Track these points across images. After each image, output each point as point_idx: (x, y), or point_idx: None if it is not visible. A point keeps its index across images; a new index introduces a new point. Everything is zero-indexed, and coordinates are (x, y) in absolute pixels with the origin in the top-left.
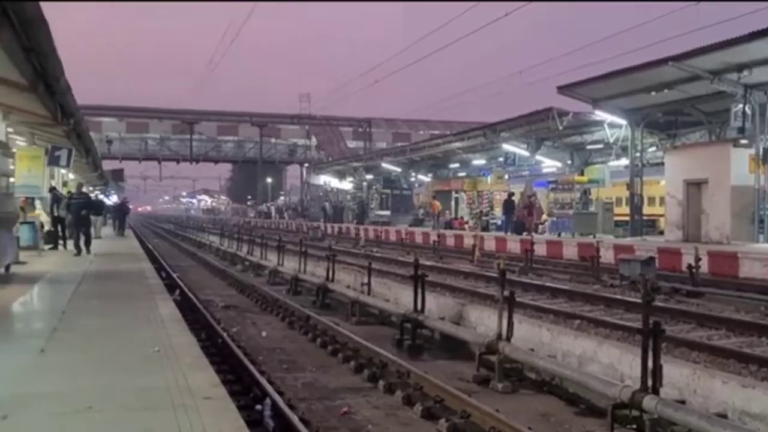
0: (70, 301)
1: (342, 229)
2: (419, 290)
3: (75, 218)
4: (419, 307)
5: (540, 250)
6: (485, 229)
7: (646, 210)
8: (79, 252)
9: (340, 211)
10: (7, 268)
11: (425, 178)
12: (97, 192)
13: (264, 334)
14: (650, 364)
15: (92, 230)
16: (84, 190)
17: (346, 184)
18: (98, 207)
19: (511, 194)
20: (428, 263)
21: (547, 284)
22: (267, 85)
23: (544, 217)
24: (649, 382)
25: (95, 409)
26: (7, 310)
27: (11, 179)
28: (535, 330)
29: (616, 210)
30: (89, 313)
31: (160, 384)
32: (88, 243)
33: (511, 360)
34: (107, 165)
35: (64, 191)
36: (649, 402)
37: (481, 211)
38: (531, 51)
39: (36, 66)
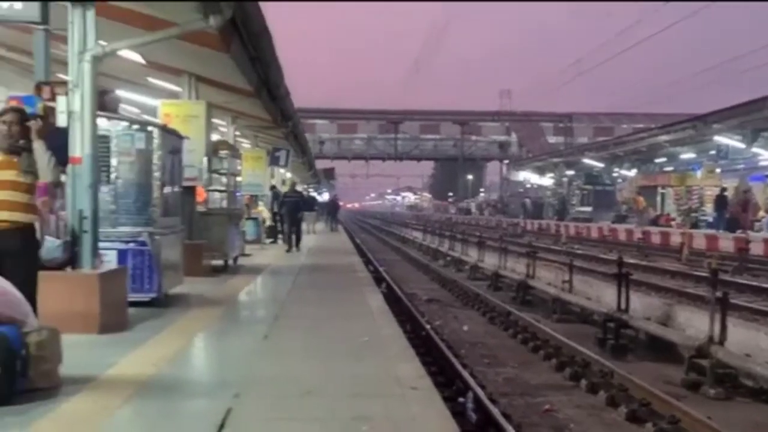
0: (290, 292)
1: (542, 225)
2: (623, 289)
3: (288, 216)
4: (623, 306)
5: (756, 249)
6: (694, 226)
7: None
8: (289, 248)
9: (539, 207)
10: (235, 259)
11: (629, 174)
12: (310, 190)
13: (465, 328)
14: None
15: (302, 227)
16: (298, 188)
17: (546, 180)
18: (310, 205)
19: (724, 189)
20: (632, 261)
21: (765, 285)
22: (468, 82)
23: (761, 213)
24: None
25: (314, 394)
26: (235, 298)
27: (238, 178)
28: (752, 334)
29: None
30: (306, 303)
31: (371, 372)
32: (298, 240)
33: (724, 365)
34: (320, 164)
35: (283, 190)
36: None
37: (689, 208)
38: (745, 38)
39: (260, 74)
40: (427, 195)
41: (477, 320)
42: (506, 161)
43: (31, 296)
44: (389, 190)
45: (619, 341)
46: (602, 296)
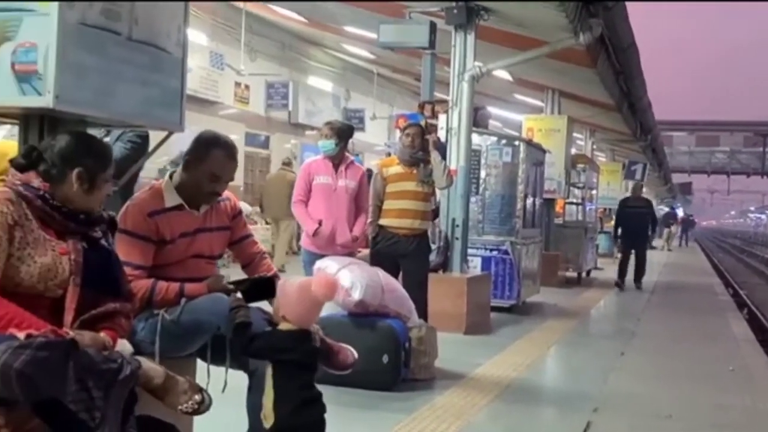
0: (644, 309)
1: None
2: None
3: (627, 231)
4: None
5: None
6: None
7: None
8: (621, 283)
9: None
10: (588, 272)
11: None
12: (662, 205)
13: None
14: None
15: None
16: (644, 194)
17: None
18: (668, 218)
19: None
20: None
21: None
22: None
23: None
24: None
25: (674, 419)
26: (589, 311)
27: (593, 191)
28: None
29: None
30: (662, 322)
31: (737, 404)
32: (640, 274)
33: None
34: (676, 178)
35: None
36: None
37: None
38: None
39: (623, 87)
40: None
41: None
42: None
43: (423, 296)
44: (752, 208)
45: None
46: None
